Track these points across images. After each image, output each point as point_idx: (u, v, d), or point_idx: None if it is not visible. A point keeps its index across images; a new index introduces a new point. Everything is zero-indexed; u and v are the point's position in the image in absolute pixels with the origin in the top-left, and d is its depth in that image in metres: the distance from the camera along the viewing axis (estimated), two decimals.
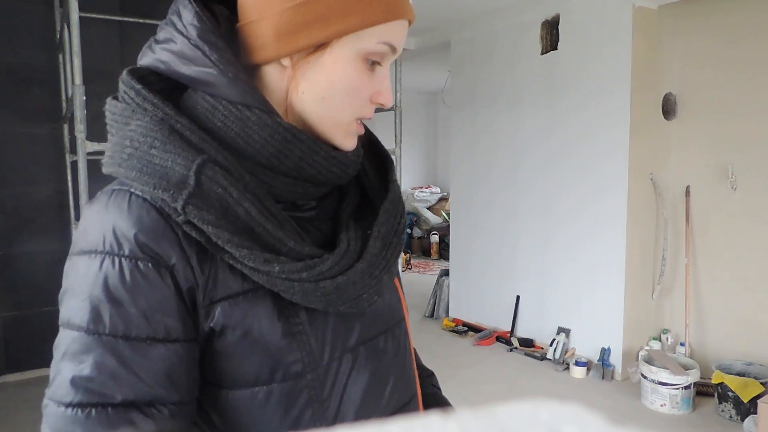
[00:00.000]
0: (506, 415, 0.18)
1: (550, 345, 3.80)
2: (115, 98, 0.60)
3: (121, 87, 0.59)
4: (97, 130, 3.45)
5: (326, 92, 0.60)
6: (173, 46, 0.59)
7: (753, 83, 3.18)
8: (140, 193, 0.54)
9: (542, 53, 3.86)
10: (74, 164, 3.25)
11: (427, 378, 0.86)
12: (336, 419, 0.62)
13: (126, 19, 3.60)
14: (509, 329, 4.17)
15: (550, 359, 3.77)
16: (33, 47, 3.48)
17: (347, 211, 0.67)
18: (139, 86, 0.57)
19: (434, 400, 0.84)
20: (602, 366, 3.50)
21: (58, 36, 3.41)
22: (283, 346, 0.57)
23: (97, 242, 0.54)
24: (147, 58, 0.61)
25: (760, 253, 3.20)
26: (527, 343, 4.02)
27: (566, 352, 3.75)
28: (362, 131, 0.65)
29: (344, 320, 0.63)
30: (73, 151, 3.15)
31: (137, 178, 0.54)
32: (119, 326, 0.52)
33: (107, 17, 3.53)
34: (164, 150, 0.53)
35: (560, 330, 3.82)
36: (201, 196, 0.52)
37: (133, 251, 0.53)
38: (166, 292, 0.53)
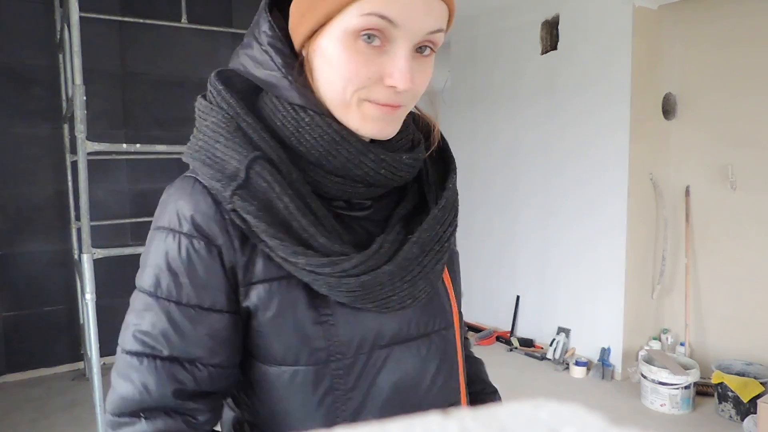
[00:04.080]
0: (506, 415, 0.18)
1: (550, 345, 3.80)
2: (204, 96, 0.66)
3: (208, 86, 0.66)
4: (97, 130, 3.46)
5: (327, 77, 0.60)
6: (250, 51, 0.64)
7: (753, 83, 3.18)
8: (202, 181, 0.61)
9: (542, 53, 3.86)
10: (74, 164, 3.25)
11: (488, 395, 0.88)
12: (359, 411, 0.64)
13: (126, 19, 3.61)
14: (509, 329, 4.17)
15: (550, 359, 3.77)
16: (33, 47, 3.48)
17: (400, 214, 0.67)
18: (220, 87, 0.63)
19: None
20: (602, 366, 3.50)
21: (58, 36, 3.41)
22: (310, 333, 0.62)
23: (165, 220, 0.62)
24: (232, 61, 0.67)
25: (760, 253, 3.20)
26: (527, 343, 4.02)
27: (566, 352, 3.75)
28: (395, 115, 0.62)
29: (378, 318, 0.64)
30: (73, 151, 3.15)
31: (201, 168, 0.61)
32: (173, 293, 0.60)
33: (107, 17, 3.53)
34: (226, 145, 0.60)
35: (560, 330, 3.82)
36: (248, 188, 0.58)
37: (190, 230, 0.60)
38: (214, 268, 0.61)
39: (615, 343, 3.52)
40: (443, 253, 0.66)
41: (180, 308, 0.60)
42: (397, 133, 0.65)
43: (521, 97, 4.03)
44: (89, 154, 2.34)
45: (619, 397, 3.28)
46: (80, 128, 2.26)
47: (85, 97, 2.27)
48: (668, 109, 3.53)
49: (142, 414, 0.60)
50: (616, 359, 3.51)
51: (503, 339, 4.13)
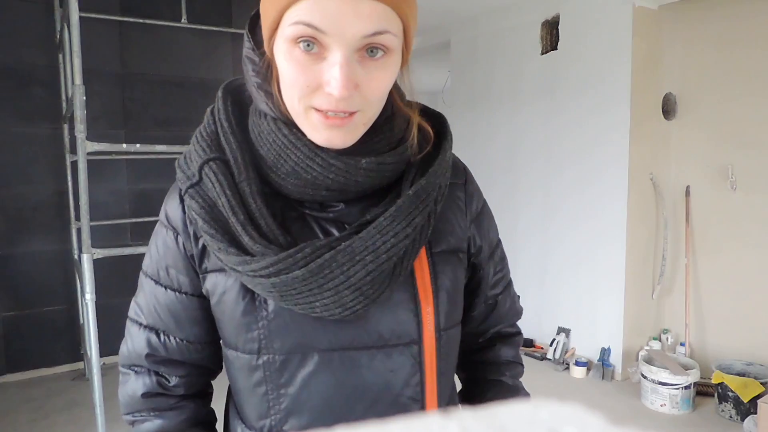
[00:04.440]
0: (506, 415, 0.18)
1: (550, 345, 3.80)
2: None
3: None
4: (97, 130, 3.46)
5: (282, 85, 0.61)
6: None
7: (753, 83, 3.18)
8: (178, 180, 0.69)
9: (542, 53, 3.86)
10: (74, 164, 3.25)
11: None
12: (292, 412, 0.66)
13: (126, 19, 3.61)
14: None
15: (550, 359, 3.77)
16: (33, 47, 3.48)
17: (367, 219, 0.64)
18: (219, 94, 0.69)
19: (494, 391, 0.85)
20: (602, 366, 3.50)
21: (58, 36, 3.41)
22: (243, 323, 0.66)
23: (160, 213, 0.73)
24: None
25: (760, 253, 3.20)
26: (527, 343, 4.02)
27: (566, 352, 3.75)
28: (349, 124, 0.60)
29: (319, 321, 0.64)
30: (73, 151, 3.15)
31: (178, 168, 0.69)
32: (155, 274, 0.72)
33: (107, 17, 3.53)
34: (196, 148, 0.67)
35: (560, 330, 3.83)
36: (199, 187, 0.65)
37: (165, 223, 0.71)
38: (180, 255, 0.70)
39: (615, 343, 3.52)
40: (379, 265, 0.61)
41: (157, 287, 0.72)
42: (374, 135, 0.65)
43: (521, 97, 4.03)
44: (89, 154, 2.34)
45: (619, 397, 3.28)
46: (80, 128, 2.26)
47: (85, 97, 2.27)
48: (668, 109, 3.53)
49: (134, 368, 0.75)
50: (616, 359, 3.51)
51: None
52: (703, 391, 3.18)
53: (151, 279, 0.72)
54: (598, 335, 3.62)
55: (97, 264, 2.44)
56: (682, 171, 3.53)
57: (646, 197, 3.53)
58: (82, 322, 3.53)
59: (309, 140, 0.62)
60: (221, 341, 0.72)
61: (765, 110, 3.15)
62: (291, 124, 0.63)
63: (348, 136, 0.61)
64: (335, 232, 0.66)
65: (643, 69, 3.39)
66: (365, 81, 0.59)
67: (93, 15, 3.39)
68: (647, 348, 3.46)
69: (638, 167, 3.43)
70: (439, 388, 0.71)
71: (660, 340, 3.59)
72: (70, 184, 3.50)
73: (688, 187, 3.49)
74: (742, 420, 2.85)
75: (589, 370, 3.56)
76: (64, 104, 3.51)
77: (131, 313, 0.75)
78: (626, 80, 3.36)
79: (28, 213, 3.55)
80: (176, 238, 0.69)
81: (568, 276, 3.79)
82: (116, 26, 3.67)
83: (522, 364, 0.89)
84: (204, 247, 0.68)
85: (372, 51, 0.58)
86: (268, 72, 0.64)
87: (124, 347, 0.75)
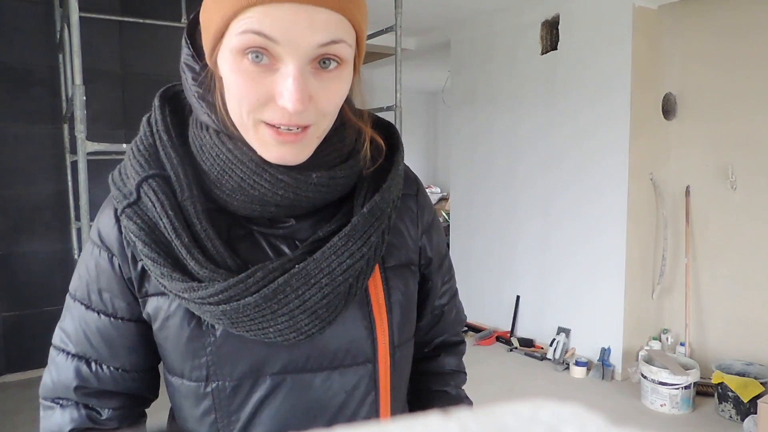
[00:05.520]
0: (506, 415, 0.18)
1: (550, 345, 3.80)
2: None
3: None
4: (97, 130, 3.46)
5: (228, 97, 0.58)
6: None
7: (753, 83, 3.18)
8: (113, 197, 0.64)
9: (542, 53, 3.86)
10: (74, 164, 3.25)
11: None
12: None
13: (126, 19, 3.61)
14: (509, 329, 4.17)
15: (550, 359, 3.77)
16: (33, 47, 3.48)
17: (319, 236, 0.62)
18: (157, 103, 0.65)
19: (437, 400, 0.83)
20: (602, 366, 3.50)
21: (58, 36, 3.41)
22: (189, 350, 0.62)
23: (92, 231, 0.67)
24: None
25: (760, 253, 3.20)
26: (527, 343, 4.02)
27: (566, 352, 3.75)
28: (302, 140, 0.57)
29: (268, 345, 0.61)
30: (73, 151, 3.15)
31: (111, 185, 0.64)
32: (84, 297, 0.66)
33: (107, 17, 3.53)
34: (131, 163, 0.62)
35: (560, 330, 3.83)
36: (137, 207, 0.60)
37: (98, 241, 0.65)
38: (114, 277, 0.64)
39: (615, 343, 3.52)
40: (335, 287, 0.59)
41: (88, 312, 0.65)
42: (324, 147, 0.61)
43: (521, 97, 4.03)
44: (89, 154, 2.34)
45: (619, 397, 3.28)
46: (80, 128, 2.26)
47: (85, 97, 2.27)
48: (668, 109, 3.53)
49: (58, 401, 0.67)
50: (616, 359, 3.51)
51: (503, 339, 4.13)
52: (703, 391, 3.18)
53: (81, 303, 0.66)
54: (598, 335, 3.62)
55: None
56: (682, 171, 3.53)
57: (646, 197, 3.53)
58: None
59: (255, 154, 0.58)
60: (164, 368, 0.67)
61: (765, 110, 3.15)
62: (236, 138, 0.59)
63: (301, 152, 0.58)
64: (286, 250, 0.63)
65: (643, 69, 3.39)
66: (319, 93, 0.56)
67: (93, 15, 3.39)
68: (647, 348, 3.46)
69: (638, 167, 3.43)
70: (393, 405, 0.69)
71: (660, 340, 3.59)
72: (70, 184, 3.50)
73: (688, 187, 3.49)
74: (742, 420, 2.85)
75: (589, 370, 3.56)
76: (64, 104, 3.52)
77: (56, 340, 0.67)
78: (626, 80, 3.36)
79: (28, 213, 3.55)
80: (111, 260, 0.64)
81: (568, 276, 3.79)
82: (116, 26, 3.67)
83: (465, 373, 0.87)
84: (144, 269, 0.63)
85: (324, 62, 0.55)
86: (209, 82, 0.60)
87: (48, 377, 0.67)
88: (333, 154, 0.63)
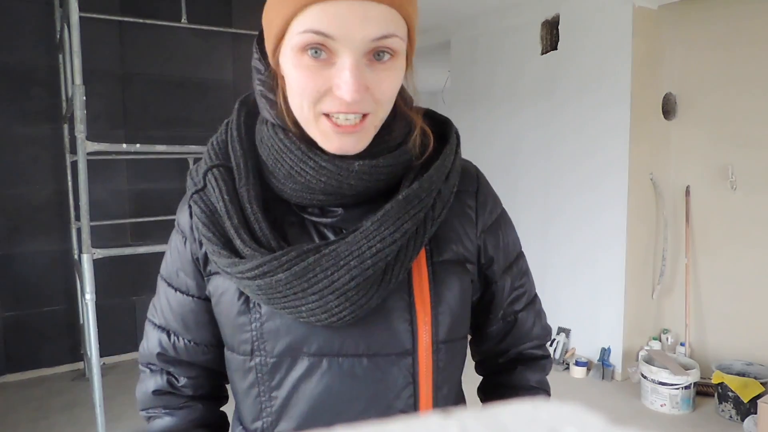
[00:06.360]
0: (506, 415, 0.18)
1: (550, 345, 3.80)
2: None
3: None
4: (97, 130, 3.46)
5: (290, 93, 0.62)
6: None
7: (753, 83, 3.18)
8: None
9: (542, 53, 3.86)
10: (74, 164, 3.25)
11: None
12: (282, 414, 0.67)
13: (126, 19, 3.60)
14: None
15: None
16: (33, 47, 3.48)
17: (360, 225, 0.64)
18: (236, 105, 0.72)
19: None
20: (602, 366, 3.50)
21: (58, 36, 3.41)
22: (237, 325, 0.67)
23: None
24: None
25: (760, 253, 3.20)
26: None
27: (566, 352, 3.75)
28: (360, 131, 0.60)
29: (307, 326, 0.64)
30: (73, 151, 3.15)
31: (189, 176, 0.71)
32: (167, 276, 0.75)
33: (107, 17, 3.53)
34: (205, 157, 0.70)
35: (560, 330, 3.83)
36: (204, 193, 0.67)
37: (177, 227, 0.74)
38: (187, 258, 0.72)
39: (615, 343, 3.52)
40: (364, 270, 0.60)
41: (169, 289, 0.75)
42: (374, 137, 0.64)
43: (521, 98, 4.03)
44: (89, 154, 2.34)
45: (619, 397, 3.28)
46: (80, 128, 2.26)
47: (85, 97, 2.27)
48: (668, 109, 3.53)
49: (150, 366, 0.78)
50: (616, 359, 3.51)
51: None
52: (703, 391, 3.18)
53: (165, 282, 0.75)
54: (598, 335, 3.62)
55: (97, 264, 2.44)
56: (682, 171, 3.53)
57: (646, 197, 3.53)
58: (82, 322, 3.53)
59: (304, 144, 0.62)
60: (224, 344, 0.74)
61: (765, 110, 3.15)
62: (289, 130, 0.64)
63: (360, 141, 0.62)
64: (331, 237, 0.65)
65: (643, 69, 3.39)
66: (374, 83, 0.59)
67: (93, 15, 3.39)
68: (647, 348, 3.46)
69: (638, 167, 3.43)
70: (436, 402, 0.68)
71: (660, 340, 3.59)
72: (70, 184, 3.50)
73: (688, 187, 3.49)
74: (742, 420, 2.85)
75: (589, 370, 3.56)
76: (64, 104, 3.51)
77: (149, 313, 0.79)
78: (626, 80, 3.36)
79: (28, 213, 3.55)
80: (185, 243, 0.72)
81: (568, 276, 3.79)
82: (116, 26, 3.67)
83: (548, 392, 0.82)
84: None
85: (379, 55, 0.59)
86: (273, 81, 0.65)
87: (143, 345, 0.78)
88: (381, 145, 0.65)
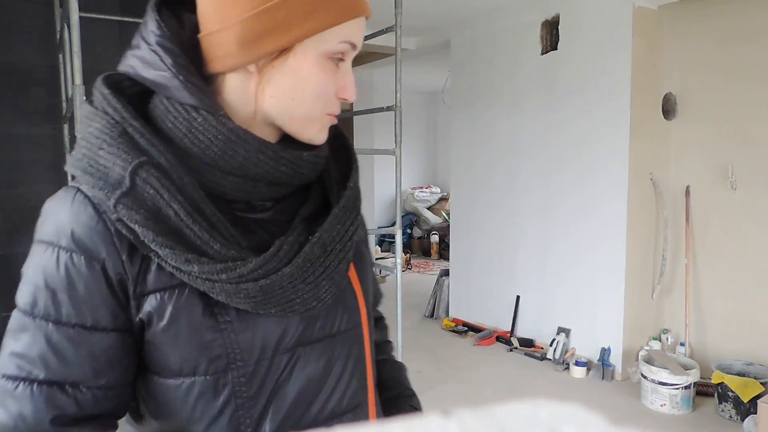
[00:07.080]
0: (506, 415, 0.18)
1: (550, 345, 3.80)
2: (91, 102, 0.63)
3: (93, 91, 0.63)
4: None
5: (295, 93, 0.62)
6: (138, 51, 0.62)
7: (753, 83, 3.18)
8: (85, 191, 0.59)
9: (542, 53, 3.86)
10: None
11: (405, 398, 0.88)
12: (263, 417, 0.63)
13: (126, 19, 3.60)
14: (509, 329, 4.17)
15: (550, 359, 3.77)
16: (33, 47, 3.48)
17: (303, 215, 0.67)
18: (106, 91, 0.60)
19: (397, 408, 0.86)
20: (602, 366, 3.50)
21: (58, 36, 3.41)
22: (208, 341, 0.60)
23: (45, 233, 0.60)
24: (121, 64, 0.64)
25: (760, 253, 3.20)
26: (527, 343, 4.02)
27: (566, 352, 3.75)
28: (334, 123, 0.68)
29: (280, 322, 0.63)
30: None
31: (83, 176, 0.58)
32: (51, 312, 0.57)
33: (107, 17, 3.53)
34: (109, 152, 0.57)
35: (560, 330, 3.83)
36: (134, 196, 0.56)
37: (69, 245, 0.58)
38: (96, 284, 0.58)
39: (615, 343, 3.52)
40: (345, 252, 0.66)
41: (59, 328, 0.57)
42: None
43: (521, 97, 4.03)
44: None
45: (619, 397, 3.28)
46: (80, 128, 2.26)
47: (85, 97, 2.27)
48: (668, 109, 3.53)
49: None
50: (616, 359, 3.51)
51: (503, 339, 4.13)
52: (703, 391, 3.18)
53: (44, 319, 0.57)
54: (598, 335, 3.62)
55: None
56: (682, 171, 3.53)
57: (646, 197, 3.53)
58: None
59: (254, 134, 0.61)
60: (158, 375, 0.62)
61: (765, 110, 3.15)
62: (229, 118, 0.61)
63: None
64: (275, 232, 0.65)
65: (643, 69, 3.39)
66: None
67: (93, 15, 3.38)
68: (647, 348, 3.46)
69: (638, 167, 3.43)
70: (373, 360, 0.76)
71: (660, 340, 3.59)
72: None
73: (688, 187, 3.49)
74: (742, 420, 2.85)
75: (589, 370, 3.56)
76: (64, 104, 3.52)
77: (10, 369, 0.57)
78: (626, 80, 3.36)
79: (28, 213, 3.53)
80: (89, 263, 0.57)
81: (568, 276, 3.79)
82: (116, 26, 3.67)
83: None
84: (141, 265, 0.59)
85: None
86: (196, 60, 0.61)
87: (5, 418, 0.57)
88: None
